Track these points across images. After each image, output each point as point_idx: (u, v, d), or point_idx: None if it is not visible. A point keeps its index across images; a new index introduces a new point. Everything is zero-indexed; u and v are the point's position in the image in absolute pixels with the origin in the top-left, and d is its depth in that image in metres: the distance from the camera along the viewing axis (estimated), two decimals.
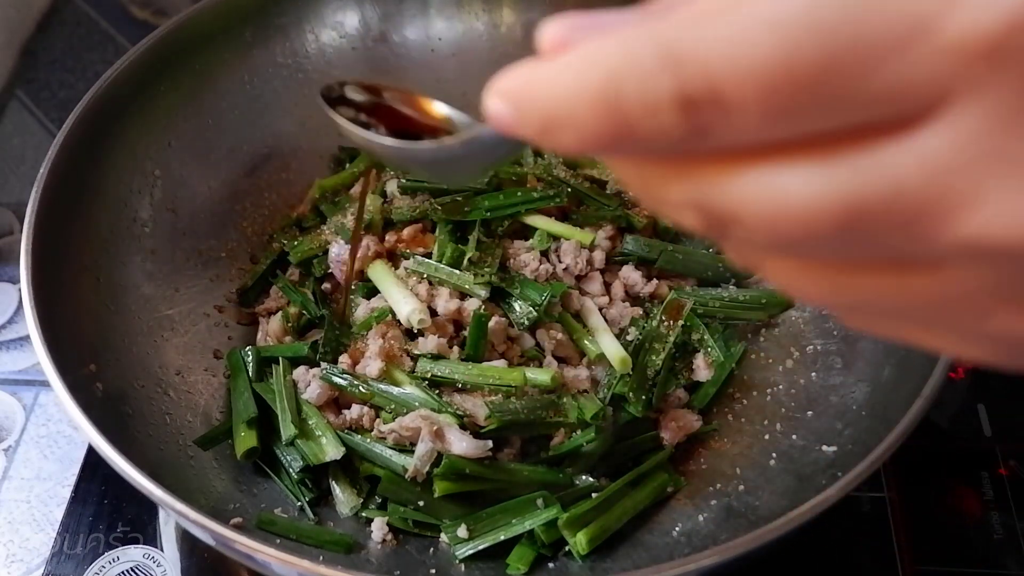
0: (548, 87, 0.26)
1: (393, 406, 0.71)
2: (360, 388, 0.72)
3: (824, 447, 0.68)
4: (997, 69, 0.20)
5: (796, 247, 0.24)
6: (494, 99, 0.28)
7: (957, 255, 0.22)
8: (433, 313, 0.75)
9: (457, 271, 0.75)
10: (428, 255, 0.78)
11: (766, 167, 0.23)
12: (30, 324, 0.64)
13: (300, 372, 0.75)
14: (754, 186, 0.24)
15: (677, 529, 0.68)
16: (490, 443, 0.68)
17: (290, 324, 0.81)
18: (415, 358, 0.73)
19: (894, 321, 0.26)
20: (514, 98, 0.27)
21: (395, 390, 0.71)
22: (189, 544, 0.77)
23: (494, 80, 0.28)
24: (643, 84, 0.23)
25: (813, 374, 0.75)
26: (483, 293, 0.74)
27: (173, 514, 0.58)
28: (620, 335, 0.76)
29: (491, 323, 0.73)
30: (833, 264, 0.25)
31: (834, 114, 0.22)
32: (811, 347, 0.77)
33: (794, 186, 0.23)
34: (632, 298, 0.81)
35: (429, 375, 0.71)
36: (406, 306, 0.74)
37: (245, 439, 0.71)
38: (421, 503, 0.68)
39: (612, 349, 0.73)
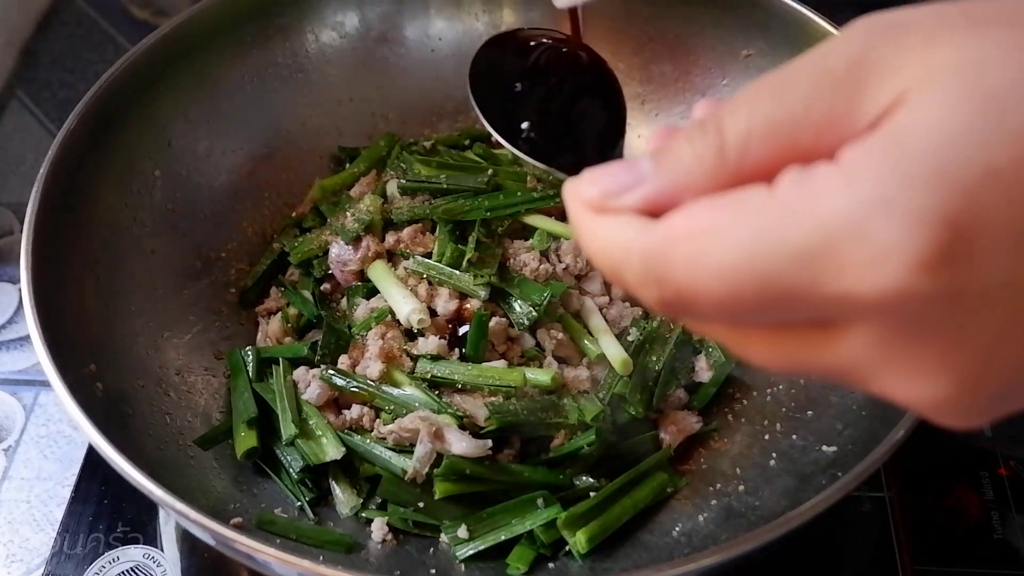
0: (583, 237, 0.37)
1: (393, 407, 0.71)
2: (360, 389, 0.72)
3: (824, 447, 0.68)
4: (876, 311, 0.30)
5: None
6: (567, 191, 0.38)
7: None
8: (433, 313, 0.75)
9: (457, 271, 0.75)
10: (428, 255, 0.78)
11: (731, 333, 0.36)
12: (30, 324, 0.64)
13: (300, 372, 0.75)
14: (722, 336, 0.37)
15: (677, 529, 0.68)
16: (490, 443, 0.68)
17: (290, 325, 0.81)
18: (415, 359, 0.73)
19: None
20: (571, 214, 0.38)
21: (395, 391, 0.71)
22: (189, 544, 0.77)
23: (570, 183, 0.38)
24: (634, 283, 0.34)
25: None
26: (483, 293, 0.74)
27: (173, 514, 0.58)
28: (620, 335, 0.76)
29: (491, 323, 0.73)
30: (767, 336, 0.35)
31: (770, 318, 0.33)
32: None
33: (754, 349, 0.36)
34: (632, 298, 0.81)
35: (429, 376, 0.71)
36: (406, 306, 0.74)
37: (245, 439, 0.71)
38: (421, 504, 0.68)
39: (613, 351, 0.73)
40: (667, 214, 0.33)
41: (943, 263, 0.28)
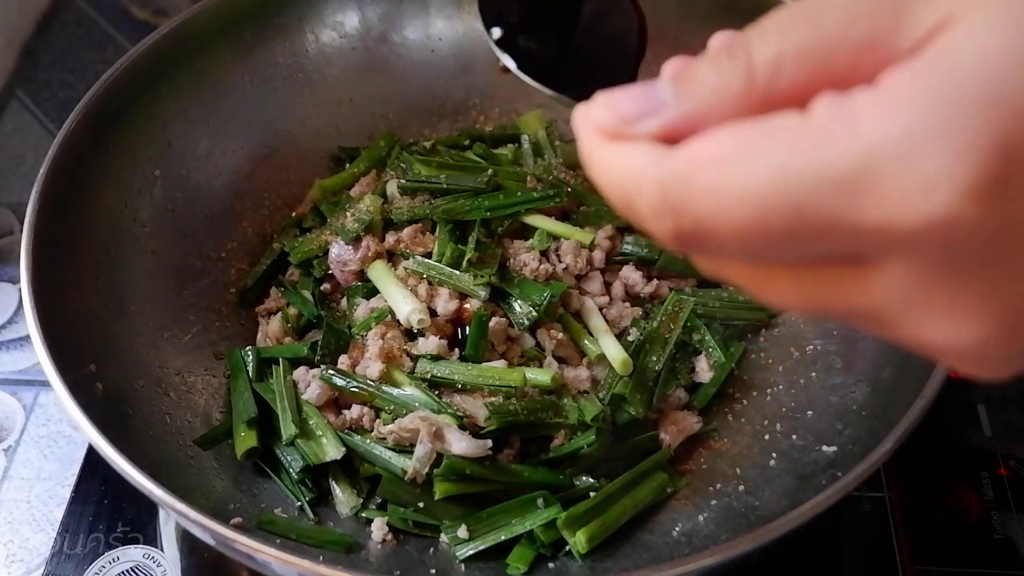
0: (593, 164, 0.35)
1: (393, 407, 0.71)
2: (360, 389, 0.72)
3: (824, 447, 0.68)
4: (918, 243, 0.28)
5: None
6: (577, 123, 0.36)
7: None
8: (433, 313, 0.75)
9: (457, 271, 0.75)
10: (428, 255, 0.78)
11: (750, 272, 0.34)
12: (30, 324, 0.64)
13: (300, 373, 0.75)
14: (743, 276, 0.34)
15: (677, 529, 0.68)
16: (490, 443, 0.68)
17: (290, 325, 0.81)
18: (415, 359, 0.73)
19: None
20: (582, 140, 0.35)
21: (395, 391, 0.71)
22: (189, 544, 0.77)
23: (582, 108, 0.35)
24: (648, 213, 0.32)
25: (813, 374, 0.75)
26: (483, 293, 0.74)
27: (173, 514, 0.58)
28: (621, 335, 0.76)
29: (491, 323, 0.73)
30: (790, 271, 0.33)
31: (796, 252, 0.31)
32: (811, 347, 0.77)
33: (775, 289, 0.34)
34: (632, 298, 0.81)
35: (429, 376, 0.71)
36: (406, 306, 0.74)
37: (245, 439, 0.71)
38: (421, 504, 0.68)
39: (613, 351, 0.73)
40: (687, 140, 0.31)
41: (995, 191, 0.27)
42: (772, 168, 0.29)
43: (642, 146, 0.32)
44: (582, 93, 0.38)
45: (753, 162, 0.29)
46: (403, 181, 0.83)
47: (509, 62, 0.57)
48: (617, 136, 0.33)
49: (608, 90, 0.35)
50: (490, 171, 0.83)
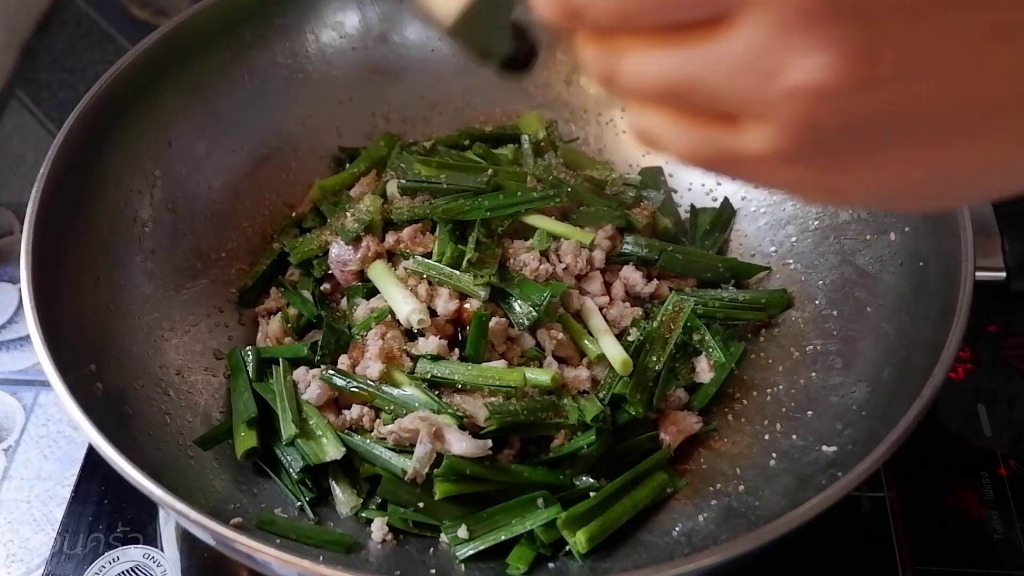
0: None
1: (393, 407, 0.71)
2: (360, 389, 0.72)
3: (824, 447, 0.68)
4: None
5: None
6: None
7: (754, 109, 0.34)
8: (433, 313, 0.75)
9: (457, 271, 0.75)
10: (428, 255, 0.78)
11: (628, 45, 0.35)
12: (30, 324, 0.64)
13: (300, 373, 0.75)
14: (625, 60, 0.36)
15: (677, 529, 0.68)
16: (490, 443, 0.68)
17: (290, 325, 0.81)
18: (415, 359, 0.73)
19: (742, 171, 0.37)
20: None
21: (395, 391, 0.71)
22: (189, 544, 0.77)
23: None
24: None
25: (813, 374, 0.75)
26: (483, 293, 0.74)
27: (173, 514, 0.58)
28: (621, 336, 0.76)
29: (491, 323, 0.73)
30: (686, 116, 0.36)
31: (658, 17, 0.33)
32: (811, 347, 0.77)
33: (645, 63, 0.35)
34: (632, 298, 0.81)
35: (429, 376, 0.71)
36: (406, 306, 0.74)
37: (245, 439, 0.71)
38: (421, 504, 0.68)
39: (614, 351, 0.73)
40: None
41: None
42: None
43: None
44: None
45: None
46: (403, 181, 0.83)
47: None
48: None
49: None
50: (490, 171, 0.83)
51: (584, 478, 0.70)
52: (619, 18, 0.34)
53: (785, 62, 0.31)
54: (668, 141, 0.37)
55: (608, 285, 0.81)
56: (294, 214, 0.90)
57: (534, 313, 0.73)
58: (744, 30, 0.32)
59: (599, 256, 0.80)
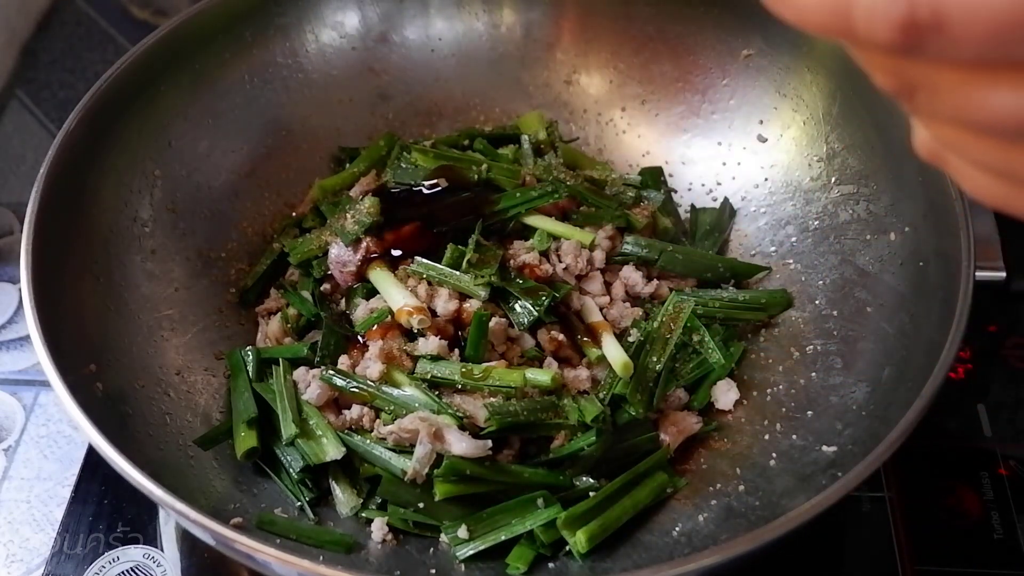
0: None
1: (393, 407, 0.71)
2: (360, 389, 0.72)
3: (824, 447, 0.68)
4: None
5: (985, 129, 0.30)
6: None
7: None
8: (433, 314, 0.75)
9: (457, 271, 0.75)
10: (427, 255, 0.78)
11: (972, 79, 0.29)
12: (30, 324, 0.64)
13: (300, 373, 0.75)
14: (965, 94, 0.29)
15: (677, 529, 0.68)
16: (490, 443, 0.68)
17: (289, 325, 0.81)
18: (415, 359, 0.73)
19: None
20: None
21: (395, 391, 0.71)
22: (189, 544, 0.77)
23: None
24: (873, 4, 0.27)
25: (813, 374, 0.75)
26: (483, 293, 0.74)
27: (173, 514, 0.58)
28: (621, 336, 0.76)
29: (491, 323, 0.73)
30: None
31: None
32: (811, 347, 0.77)
33: (998, 99, 0.29)
34: (632, 298, 0.81)
35: (429, 376, 0.71)
36: (400, 299, 0.74)
37: (245, 439, 0.71)
38: (421, 504, 0.68)
39: (614, 353, 0.73)
40: None
41: None
42: None
43: None
44: None
45: None
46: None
47: None
48: None
49: None
50: (484, 165, 0.83)
51: (584, 478, 0.70)
52: (992, 45, 0.27)
53: None
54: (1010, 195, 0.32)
55: (608, 285, 0.81)
56: (294, 214, 0.90)
57: (534, 313, 0.73)
58: None
59: (599, 256, 0.80)
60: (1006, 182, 0.32)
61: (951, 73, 0.29)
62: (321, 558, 0.65)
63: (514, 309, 0.74)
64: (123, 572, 0.77)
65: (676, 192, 0.93)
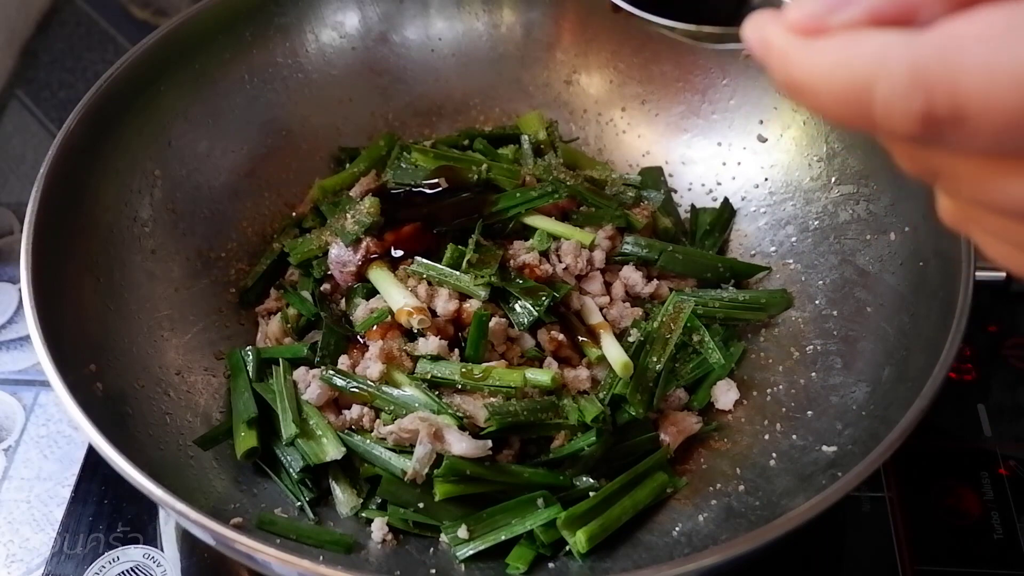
0: (802, 65, 0.32)
1: (393, 407, 0.71)
2: (360, 389, 0.72)
3: (824, 447, 0.68)
4: None
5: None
6: (753, 36, 0.33)
7: None
8: (433, 314, 0.75)
9: (457, 272, 0.75)
10: (427, 255, 0.78)
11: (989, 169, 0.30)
12: (30, 324, 0.64)
13: (300, 373, 0.75)
14: (983, 181, 0.31)
15: (677, 529, 0.68)
16: (490, 443, 0.68)
17: (289, 325, 0.81)
18: (415, 359, 0.73)
19: None
20: (768, 51, 0.33)
21: (395, 392, 0.71)
22: (189, 544, 0.77)
23: (755, 20, 0.33)
24: (892, 95, 0.29)
25: (813, 374, 0.75)
26: (483, 293, 0.74)
27: (173, 514, 0.58)
28: (621, 336, 0.76)
29: (491, 323, 0.73)
30: None
31: None
32: (811, 347, 0.77)
33: (1016, 189, 0.30)
34: (633, 298, 0.81)
35: (429, 376, 0.71)
36: (400, 299, 0.74)
37: (245, 439, 0.71)
38: (421, 504, 0.68)
39: (615, 354, 0.73)
40: (939, 21, 0.29)
41: None
42: None
43: (875, 32, 0.30)
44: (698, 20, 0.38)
45: None
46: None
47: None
48: (818, 31, 0.31)
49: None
50: (484, 165, 0.83)
51: (584, 478, 0.70)
52: (1008, 138, 0.28)
53: None
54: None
55: (608, 285, 0.81)
56: (294, 214, 0.90)
57: (534, 313, 0.73)
58: None
59: (599, 256, 0.80)
60: None
61: (970, 161, 0.31)
62: (321, 558, 0.65)
63: (514, 309, 0.74)
64: (123, 572, 0.77)
65: (676, 192, 0.93)
